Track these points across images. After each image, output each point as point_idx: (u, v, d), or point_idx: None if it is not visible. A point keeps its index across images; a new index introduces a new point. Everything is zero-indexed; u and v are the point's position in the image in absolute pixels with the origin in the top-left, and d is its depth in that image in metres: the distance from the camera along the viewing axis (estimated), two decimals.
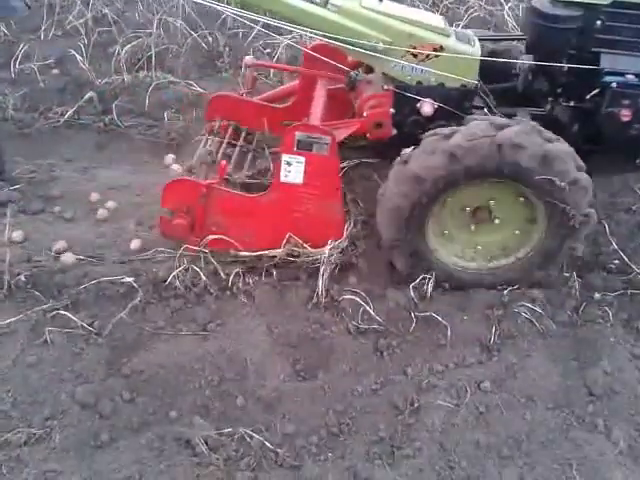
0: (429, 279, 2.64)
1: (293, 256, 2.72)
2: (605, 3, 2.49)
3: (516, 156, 2.33)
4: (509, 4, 4.90)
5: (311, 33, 2.62)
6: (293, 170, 2.59)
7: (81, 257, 2.76)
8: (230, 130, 3.19)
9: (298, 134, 2.54)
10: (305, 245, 2.70)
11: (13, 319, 2.46)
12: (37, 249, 2.80)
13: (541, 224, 2.55)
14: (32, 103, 3.83)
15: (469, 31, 2.86)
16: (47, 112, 3.77)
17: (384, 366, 2.44)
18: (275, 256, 2.71)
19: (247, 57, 3.13)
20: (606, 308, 2.59)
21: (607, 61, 2.52)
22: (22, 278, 2.60)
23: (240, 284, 2.66)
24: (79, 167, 3.46)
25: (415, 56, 2.58)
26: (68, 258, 2.75)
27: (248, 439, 2.12)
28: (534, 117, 2.65)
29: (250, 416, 2.23)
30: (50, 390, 2.25)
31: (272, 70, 4.15)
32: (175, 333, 2.48)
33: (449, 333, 2.50)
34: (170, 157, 3.48)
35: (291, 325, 2.53)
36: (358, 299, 2.58)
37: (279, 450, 2.11)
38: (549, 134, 2.39)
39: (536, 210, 2.54)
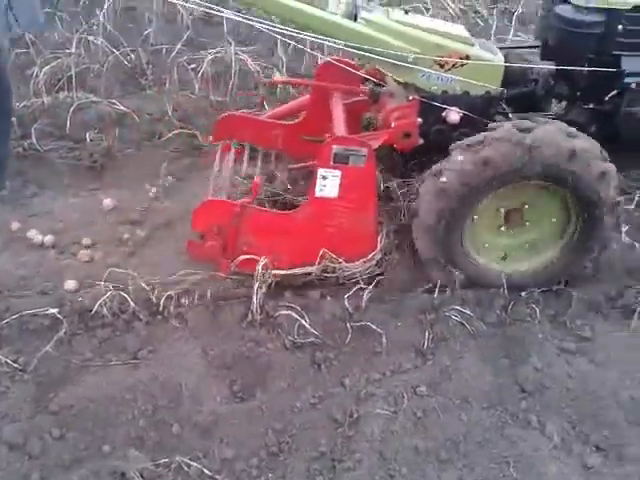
0: (365, 289, 2.67)
1: (328, 272, 2.71)
2: (627, 8, 2.60)
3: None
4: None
5: (346, 46, 2.64)
6: (328, 184, 2.58)
7: (1, 290, 2.65)
8: (246, 150, 3.15)
9: (335, 147, 2.52)
10: (339, 260, 2.69)
11: None
12: None
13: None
14: None
15: (487, 41, 2.96)
16: None
17: (322, 379, 2.43)
18: (310, 273, 2.70)
19: (275, 74, 3.09)
20: (533, 305, 2.66)
21: (628, 63, 2.64)
22: None
23: (172, 307, 2.60)
24: None
25: (442, 66, 2.65)
26: None
27: (186, 468, 2.06)
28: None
29: (187, 444, 2.17)
30: None
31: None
32: (104, 364, 2.40)
33: (384, 341, 2.52)
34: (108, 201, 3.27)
35: (226, 345, 2.49)
36: (293, 313, 2.57)
37: (218, 476, 2.07)
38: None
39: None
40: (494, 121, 2.66)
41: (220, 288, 2.71)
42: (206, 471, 2.06)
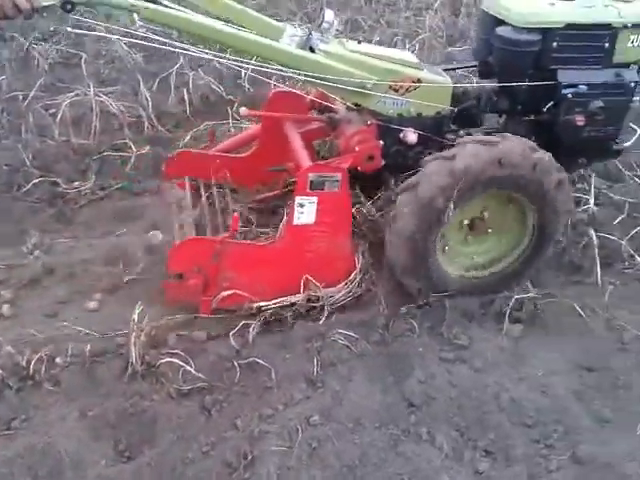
0: (251, 325, 2.65)
1: (312, 301, 2.75)
2: (560, 26, 2.80)
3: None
4: None
5: (305, 76, 2.68)
6: (306, 211, 2.65)
7: None
8: (202, 187, 3.14)
9: (311, 175, 2.59)
10: (319, 286, 2.75)
11: None
12: None
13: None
14: None
15: (433, 65, 3.14)
16: None
17: (213, 424, 2.35)
18: (295, 303, 2.73)
19: (242, 109, 2.99)
20: (411, 320, 2.74)
21: (563, 76, 2.86)
22: None
23: (43, 370, 2.43)
24: None
25: (396, 90, 2.76)
26: None
27: None
28: (487, 133, 2.95)
29: None
30: None
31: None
32: None
33: (274, 375, 2.49)
34: None
35: (107, 403, 2.35)
36: (177, 360, 2.48)
37: None
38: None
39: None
40: (446, 139, 2.85)
41: (92, 343, 2.56)
42: None
